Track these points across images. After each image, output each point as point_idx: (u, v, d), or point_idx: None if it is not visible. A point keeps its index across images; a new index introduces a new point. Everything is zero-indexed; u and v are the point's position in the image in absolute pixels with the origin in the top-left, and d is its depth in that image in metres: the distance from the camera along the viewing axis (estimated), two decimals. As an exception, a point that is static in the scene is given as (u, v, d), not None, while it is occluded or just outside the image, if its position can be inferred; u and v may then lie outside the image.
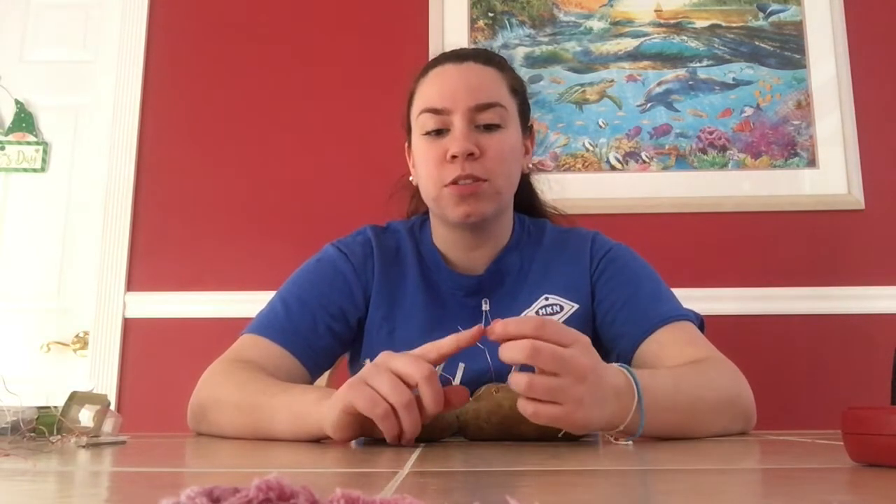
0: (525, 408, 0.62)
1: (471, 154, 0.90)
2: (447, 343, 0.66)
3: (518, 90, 0.98)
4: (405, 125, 1.02)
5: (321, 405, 0.69)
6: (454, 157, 0.90)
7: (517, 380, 0.61)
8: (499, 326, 0.61)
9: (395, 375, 0.63)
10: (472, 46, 1.06)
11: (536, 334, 0.61)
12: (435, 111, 0.93)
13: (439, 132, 0.93)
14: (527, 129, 1.02)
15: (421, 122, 0.94)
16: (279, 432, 0.75)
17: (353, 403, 0.63)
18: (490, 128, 0.93)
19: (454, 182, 0.91)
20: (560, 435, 0.66)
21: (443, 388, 0.64)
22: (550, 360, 0.60)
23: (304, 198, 1.85)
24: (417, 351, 0.66)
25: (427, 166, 0.94)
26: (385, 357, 0.66)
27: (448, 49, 1.02)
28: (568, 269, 1.00)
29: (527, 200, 1.09)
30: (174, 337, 1.79)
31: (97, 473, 0.46)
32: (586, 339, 0.64)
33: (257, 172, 1.87)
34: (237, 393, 0.81)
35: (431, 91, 0.94)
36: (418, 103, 0.96)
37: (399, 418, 0.62)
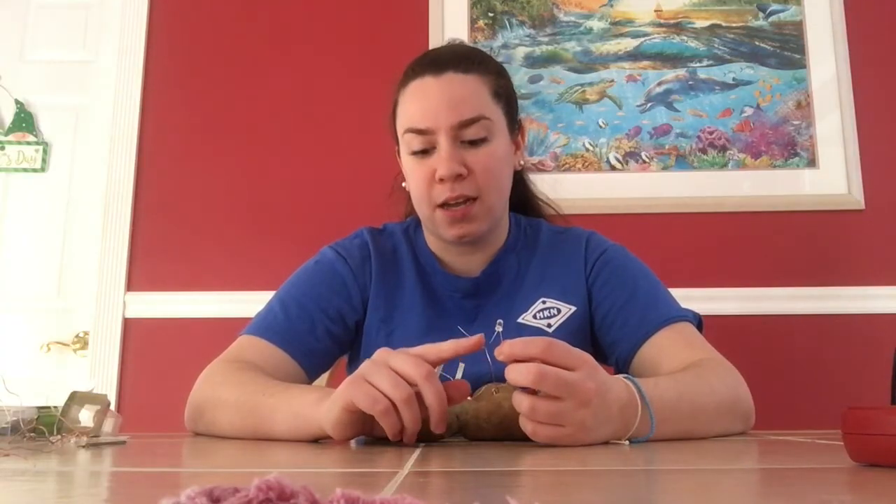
0: (525, 426, 0.63)
1: (459, 175, 0.90)
2: (447, 348, 0.66)
3: (501, 92, 0.96)
4: (392, 133, 1.01)
5: (321, 405, 0.69)
6: (442, 179, 0.90)
7: (519, 401, 0.62)
8: (506, 347, 0.62)
9: (394, 372, 0.63)
10: (451, 44, 1.03)
11: (543, 357, 0.61)
12: (419, 132, 0.92)
13: (425, 151, 0.92)
14: (515, 126, 1.00)
15: (406, 142, 0.94)
16: (278, 433, 0.75)
17: (353, 401, 0.63)
18: (476, 143, 0.92)
19: (445, 204, 0.91)
20: None
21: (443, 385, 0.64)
22: (555, 386, 0.60)
23: (304, 198, 1.85)
24: (416, 350, 0.66)
25: (417, 186, 0.93)
26: (384, 354, 0.66)
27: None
28: (564, 271, 1.00)
29: (521, 197, 1.09)
30: (174, 337, 1.79)
31: (97, 473, 0.46)
32: (592, 361, 0.64)
33: (257, 172, 1.87)
34: (236, 392, 0.81)
35: (413, 110, 0.93)
36: (402, 120, 0.95)
37: (400, 415, 0.62)
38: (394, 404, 0.62)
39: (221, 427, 0.82)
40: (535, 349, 0.61)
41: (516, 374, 0.61)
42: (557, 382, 0.60)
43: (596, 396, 0.62)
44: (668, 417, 0.71)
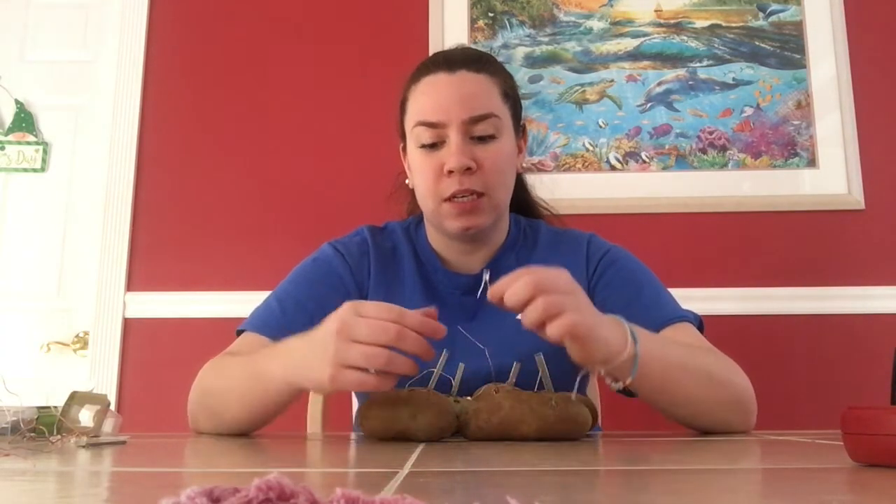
0: (547, 331, 0.68)
1: (468, 168, 0.91)
2: (413, 321, 0.67)
3: (510, 93, 0.98)
4: (399, 130, 1.02)
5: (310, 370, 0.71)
6: (451, 172, 0.91)
7: (529, 315, 0.68)
8: (494, 295, 0.70)
9: (370, 320, 0.67)
10: (461, 47, 1.04)
11: (519, 274, 0.69)
12: (430, 125, 0.93)
13: (434, 145, 0.93)
14: (519, 128, 1.02)
15: (416, 135, 0.94)
16: (278, 385, 0.78)
17: (349, 362, 0.66)
18: (485, 139, 0.93)
19: (453, 197, 0.92)
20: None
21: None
22: (548, 284, 0.68)
23: (304, 197, 1.85)
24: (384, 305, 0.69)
25: (425, 180, 0.94)
26: (350, 310, 0.68)
27: (443, 49, 1.02)
28: None
29: (519, 198, 1.10)
30: (174, 337, 1.79)
31: (97, 473, 0.46)
32: (566, 271, 0.73)
33: (257, 172, 1.87)
34: (234, 369, 0.84)
35: (425, 103, 0.94)
36: (412, 114, 0.96)
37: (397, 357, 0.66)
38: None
39: (225, 404, 0.83)
40: (515, 276, 0.69)
41: (515, 296, 0.68)
42: (546, 280, 0.68)
43: (576, 288, 0.71)
44: (654, 356, 0.75)
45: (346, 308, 0.69)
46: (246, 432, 0.85)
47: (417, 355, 0.66)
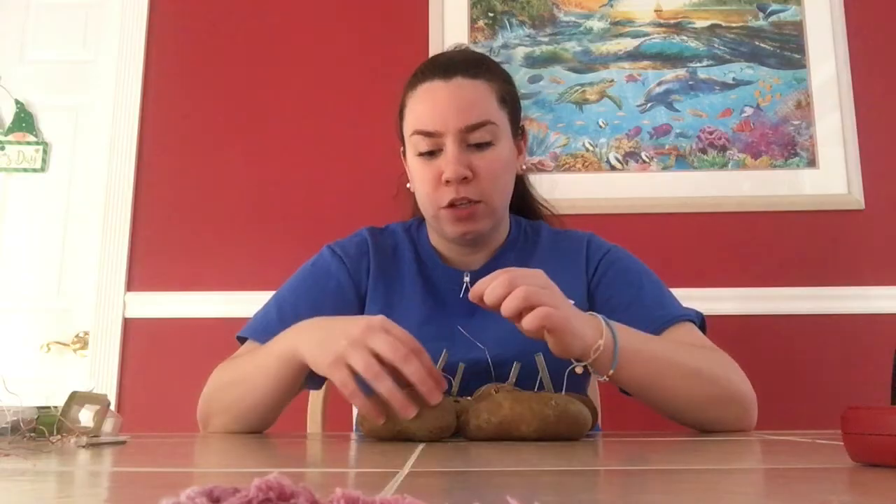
0: (523, 325, 0.72)
1: (464, 178, 0.92)
2: (428, 362, 0.71)
3: (507, 97, 0.98)
4: (398, 134, 1.03)
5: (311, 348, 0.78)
6: (448, 181, 0.92)
7: (508, 306, 0.72)
8: (474, 294, 0.75)
9: (390, 337, 0.70)
10: (458, 49, 1.04)
11: (497, 274, 0.73)
12: (426, 133, 0.93)
13: (432, 153, 0.94)
14: (518, 131, 1.02)
15: (413, 143, 0.95)
16: (281, 350, 0.83)
17: (349, 363, 0.70)
18: (482, 146, 0.94)
19: (451, 205, 0.93)
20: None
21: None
22: (525, 279, 0.73)
23: (305, 198, 1.85)
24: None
25: (423, 187, 0.95)
26: (379, 323, 0.72)
27: (443, 48, 1.03)
28: (564, 271, 1.01)
29: (520, 198, 1.10)
30: (174, 337, 1.79)
31: (97, 473, 0.46)
32: (541, 271, 0.78)
33: (257, 172, 1.87)
34: (246, 361, 0.88)
35: (422, 112, 0.95)
36: (409, 121, 0.97)
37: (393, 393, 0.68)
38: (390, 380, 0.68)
39: (237, 390, 0.86)
40: (490, 278, 0.74)
41: (491, 296, 0.72)
42: (523, 276, 0.73)
43: (549, 284, 0.75)
44: (635, 349, 0.78)
45: (378, 320, 0.72)
46: (262, 421, 0.87)
47: (413, 382, 0.68)
